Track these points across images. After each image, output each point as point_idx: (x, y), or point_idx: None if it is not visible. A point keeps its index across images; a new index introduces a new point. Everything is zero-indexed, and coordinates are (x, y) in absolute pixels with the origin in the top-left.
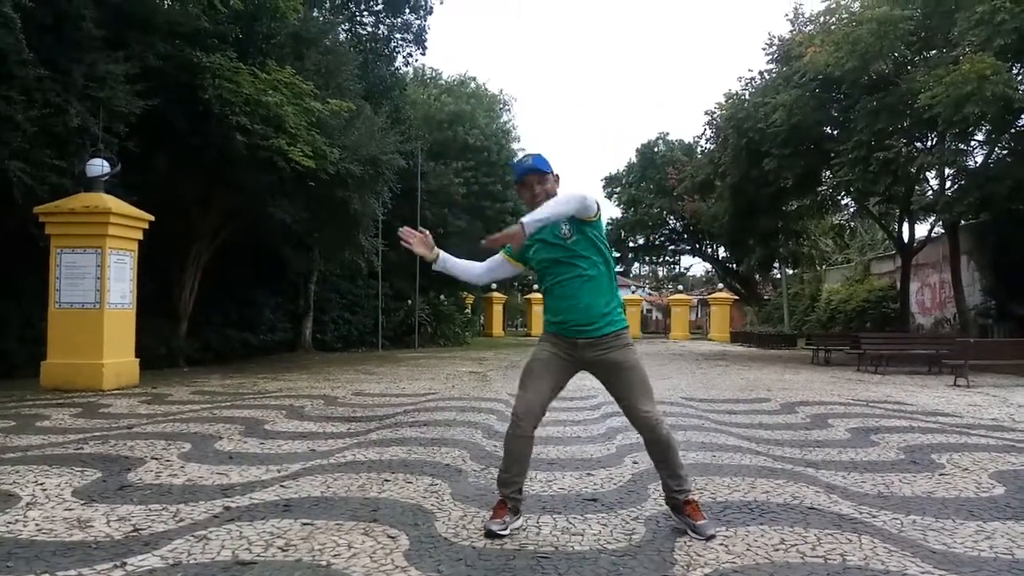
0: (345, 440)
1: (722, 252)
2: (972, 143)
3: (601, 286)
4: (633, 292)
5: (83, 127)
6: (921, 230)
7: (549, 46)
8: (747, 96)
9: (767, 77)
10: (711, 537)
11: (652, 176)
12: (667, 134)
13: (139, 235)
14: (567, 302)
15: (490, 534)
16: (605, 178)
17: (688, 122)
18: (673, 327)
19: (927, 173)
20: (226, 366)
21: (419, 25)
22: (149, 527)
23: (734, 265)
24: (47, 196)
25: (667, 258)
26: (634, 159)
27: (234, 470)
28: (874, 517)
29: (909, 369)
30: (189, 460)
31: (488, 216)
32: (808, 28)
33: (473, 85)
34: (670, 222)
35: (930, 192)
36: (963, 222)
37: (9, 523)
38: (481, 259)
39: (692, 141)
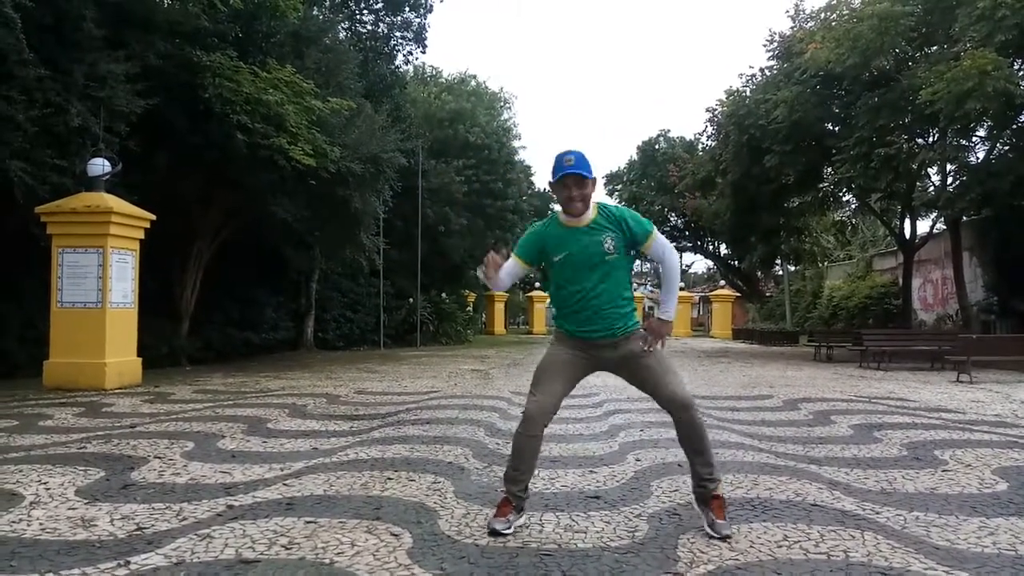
0: (348, 438)
1: (724, 249)
2: (973, 139)
3: (625, 293)
4: (635, 289)
5: (84, 127)
6: (923, 226)
7: (549, 43)
8: (748, 93)
9: (768, 74)
10: (726, 537)
11: (653, 173)
12: (668, 131)
13: (140, 234)
14: (591, 311)
15: (494, 532)
16: (606, 175)
17: (689, 119)
18: (675, 326)
19: (928, 169)
20: (228, 365)
21: (419, 23)
22: (152, 526)
23: (736, 262)
24: (48, 196)
25: None
26: (635, 156)
27: (237, 469)
28: (877, 513)
29: (912, 365)
30: (192, 459)
31: (489, 214)
32: (809, 24)
33: (473, 83)
34: (671, 219)
35: (932, 188)
36: (965, 218)
37: (13, 522)
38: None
39: (693, 138)
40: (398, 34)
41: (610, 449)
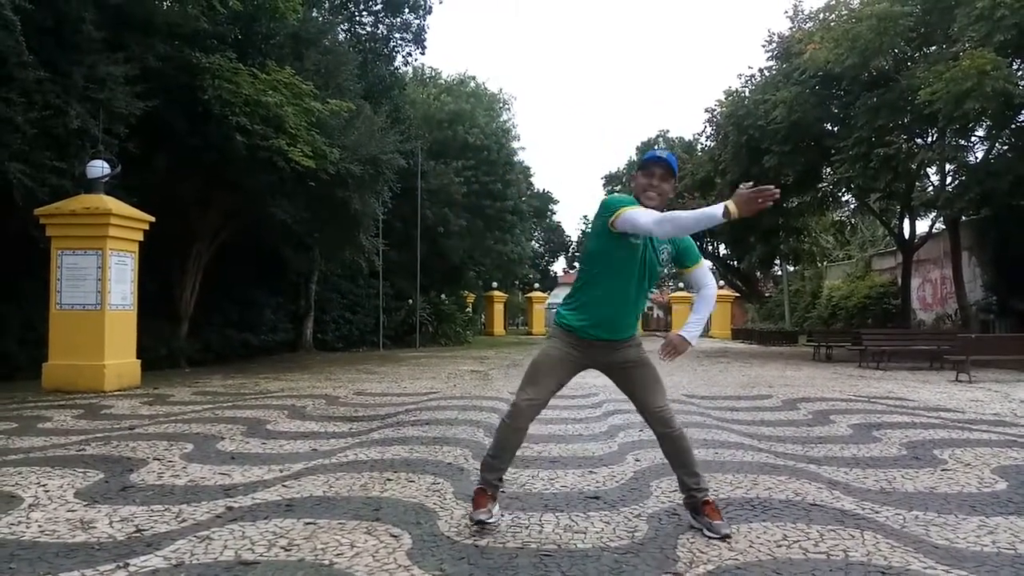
0: (347, 440)
1: (723, 249)
2: (972, 139)
3: (641, 300)
4: None
5: (83, 129)
6: (922, 226)
7: (548, 44)
8: (747, 93)
9: (767, 74)
10: (725, 537)
11: None
12: (667, 132)
13: (140, 236)
14: (616, 312)
15: (479, 524)
16: (605, 176)
17: (688, 120)
18: (674, 324)
19: (927, 169)
20: (227, 367)
21: (418, 24)
22: (152, 528)
23: (735, 262)
24: (47, 198)
25: None
26: (634, 157)
27: (236, 470)
28: (876, 513)
29: (911, 365)
30: (191, 460)
31: (488, 215)
32: (808, 25)
33: (472, 84)
34: None
35: (931, 188)
36: (964, 218)
37: (12, 524)
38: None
39: (692, 139)
40: (397, 35)
41: (609, 449)
